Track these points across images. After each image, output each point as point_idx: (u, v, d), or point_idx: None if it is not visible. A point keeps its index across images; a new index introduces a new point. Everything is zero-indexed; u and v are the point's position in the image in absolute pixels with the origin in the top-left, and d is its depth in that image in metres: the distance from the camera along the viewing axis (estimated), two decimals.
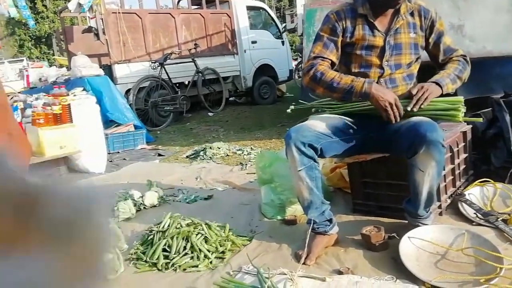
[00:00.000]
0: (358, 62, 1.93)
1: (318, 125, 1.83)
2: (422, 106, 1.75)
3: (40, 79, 7.02)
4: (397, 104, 1.74)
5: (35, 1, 22.37)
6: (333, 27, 1.92)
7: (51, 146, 3.66)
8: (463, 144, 2.28)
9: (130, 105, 6.00)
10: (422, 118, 1.75)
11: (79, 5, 6.69)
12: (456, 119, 1.78)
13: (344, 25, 1.91)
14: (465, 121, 1.99)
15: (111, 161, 4.53)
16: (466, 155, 2.31)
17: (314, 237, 1.86)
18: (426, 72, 1.94)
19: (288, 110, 2.14)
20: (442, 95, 1.80)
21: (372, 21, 1.89)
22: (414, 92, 1.77)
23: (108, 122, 5.21)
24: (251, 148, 4.37)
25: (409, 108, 1.75)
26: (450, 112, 1.77)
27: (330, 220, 1.88)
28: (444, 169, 2.04)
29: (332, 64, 1.93)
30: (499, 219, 1.89)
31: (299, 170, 1.76)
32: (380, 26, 1.90)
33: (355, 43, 1.91)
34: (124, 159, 4.69)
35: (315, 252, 1.81)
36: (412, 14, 1.91)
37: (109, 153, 4.72)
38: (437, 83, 1.80)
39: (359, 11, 1.90)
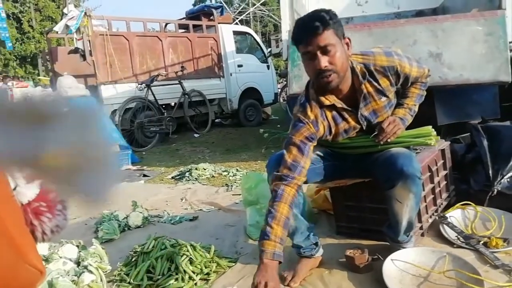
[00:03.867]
0: (341, 138, 1.84)
1: None
2: (389, 140, 1.77)
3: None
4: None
5: (22, 21, 22.32)
6: (309, 137, 1.71)
7: None
8: (442, 161, 2.32)
9: (116, 125, 5.98)
10: (399, 149, 1.75)
11: (66, 26, 6.73)
12: (430, 145, 1.85)
13: (322, 131, 1.76)
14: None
15: None
16: (446, 171, 2.35)
17: (300, 260, 1.88)
18: None
19: (261, 131, 2.17)
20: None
21: (341, 105, 1.74)
22: (384, 126, 1.77)
23: None
24: (237, 169, 4.39)
25: (381, 142, 1.78)
26: (423, 143, 1.83)
27: (316, 244, 1.90)
28: (423, 190, 2.09)
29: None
30: (480, 242, 1.92)
31: None
32: (348, 107, 1.76)
33: (334, 134, 1.81)
34: None
35: (300, 275, 1.82)
36: (374, 77, 1.72)
37: None
38: (401, 119, 1.82)
39: (325, 103, 1.73)
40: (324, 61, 1.56)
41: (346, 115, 1.77)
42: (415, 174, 1.65)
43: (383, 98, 1.76)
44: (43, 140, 0.55)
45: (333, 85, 1.64)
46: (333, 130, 1.78)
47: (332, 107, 1.74)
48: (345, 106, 1.74)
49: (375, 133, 1.79)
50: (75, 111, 0.60)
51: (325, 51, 1.55)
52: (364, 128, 1.81)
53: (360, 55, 1.73)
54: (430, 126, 1.85)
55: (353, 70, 1.70)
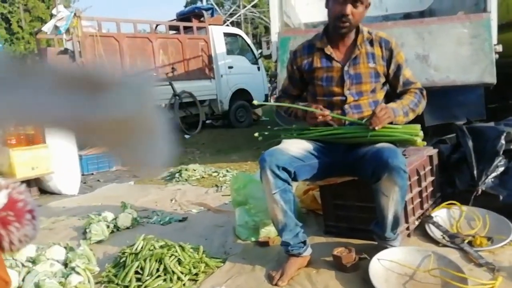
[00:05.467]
0: (321, 91, 2.01)
1: (292, 148, 1.88)
2: (378, 127, 1.82)
3: None
4: (318, 107, 1.92)
5: (11, 21, 22.12)
6: (292, 64, 2.13)
7: (22, 167, 3.60)
8: (430, 167, 2.36)
9: None
10: (384, 144, 1.81)
11: (56, 27, 6.68)
12: (416, 145, 1.88)
13: (300, 63, 2.07)
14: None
15: (84, 183, 4.47)
16: (433, 178, 2.39)
17: (288, 258, 1.89)
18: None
19: (256, 134, 2.20)
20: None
21: (328, 53, 1.99)
22: (377, 111, 1.83)
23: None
24: (227, 170, 4.39)
25: (371, 127, 1.82)
26: (409, 140, 1.86)
27: (304, 242, 1.91)
28: (411, 192, 2.12)
29: (297, 96, 2.20)
30: (464, 241, 1.95)
31: (274, 193, 1.79)
32: (338, 57, 1.99)
33: (317, 75, 2.01)
34: (98, 180, 4.63)
35: (288, 273, 1.83)
36: (371, 44, 1.98)
37: (83, 175, 4.65)
38: (393, 109, 1.88)
39: (317, 45, 2.02)
40: (349, 10, 1.85)
41: (333, 63, 1.99)
42: (400, 166, 1.68)
43: (371, 63, 1.97)
44: (100, 107, 0.55)
45: (344, 31, 1.93)
46: (314, 67, 2.02)
47: (321, 51, 2.01)
48: (333, 55, 1.99)
49: (367, 118, 1.87)
50: (130, 81, 0.61)
51: (354, 4, 1.85)
52: (345, 84, 1.95)
53: (367, 24, 2.06)
54: (419, 125, 1.88)
55: (359, 30, 1.99)
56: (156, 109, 0.63)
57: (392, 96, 2.05)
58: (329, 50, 1.99)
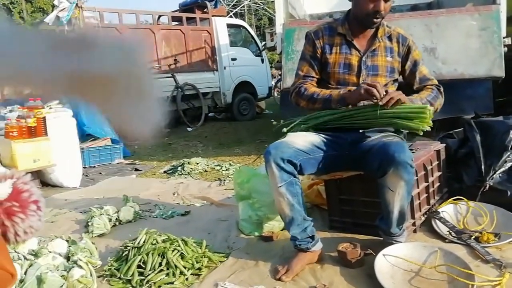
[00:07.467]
0: (336, 79, 2.00)
1: (297, 141, 1.85)
2: (389, 104, 1.74)
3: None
4: (373, 84, 1.77)
5: (12, 12, 22.08)
6: (313, 45, 2.05)
7: (24, 159, 3.58)
8: (437, 162, 2.33)
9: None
10: (391, 138, 1.79)
11: (57, 18, 6.63)
12: (424, 125, 1.77)
13: (322, 43, 2.04)
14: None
15: (86, 176, 4.45)
16: (440, 173, 2.36)
17: (296, 254, 1.86)
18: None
19: (272, 120, 2.17)
20: None
21: (350, 40, 1.99)
22: (390, 91, 1.81)
23: (85, 136, 5.12)
24: (230, 163, 4.37)
25: (380, 103, 1.75)
26: (418, 117, 1.76)
27: (313, 237, 1.87)
28: (418, 187, 2.09)
29: (318, 81, 2.09)
30: (471, 237, 1.93)
31: (279, 186, 1.77)
32: (358, 46, 1.99)
33: (334, 61, 2.00)
34: (100, 173, 4.62)
35: (294, 270, 1.80)
36: (390, 39, 2.01)
37: (84, 167, 4.64)
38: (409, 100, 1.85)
39: (338, 30, 2.01)
40: (382, 6, 1.85)
41: (353, 51, 1.99)
42: (406, 161, 1.66)
43: (389, 57, 1.99)
44: (92, 63, 0.56)
45: (374, 26, 1.95)
46: (333, 52, 2.01)
47: (343, 37, 2.00)
48: (354, 42, 1.98)
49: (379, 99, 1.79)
50: (121, 42, 0.62)
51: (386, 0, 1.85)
52: (361, 74, 1.95)
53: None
54: (427, 105, 1.81)
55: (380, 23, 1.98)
56: (146, 71, 0.63)
57: (409, 93, 1.98)
58: (350, 37, 1.99)
